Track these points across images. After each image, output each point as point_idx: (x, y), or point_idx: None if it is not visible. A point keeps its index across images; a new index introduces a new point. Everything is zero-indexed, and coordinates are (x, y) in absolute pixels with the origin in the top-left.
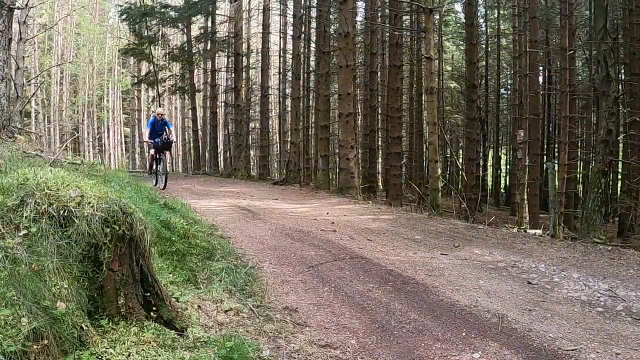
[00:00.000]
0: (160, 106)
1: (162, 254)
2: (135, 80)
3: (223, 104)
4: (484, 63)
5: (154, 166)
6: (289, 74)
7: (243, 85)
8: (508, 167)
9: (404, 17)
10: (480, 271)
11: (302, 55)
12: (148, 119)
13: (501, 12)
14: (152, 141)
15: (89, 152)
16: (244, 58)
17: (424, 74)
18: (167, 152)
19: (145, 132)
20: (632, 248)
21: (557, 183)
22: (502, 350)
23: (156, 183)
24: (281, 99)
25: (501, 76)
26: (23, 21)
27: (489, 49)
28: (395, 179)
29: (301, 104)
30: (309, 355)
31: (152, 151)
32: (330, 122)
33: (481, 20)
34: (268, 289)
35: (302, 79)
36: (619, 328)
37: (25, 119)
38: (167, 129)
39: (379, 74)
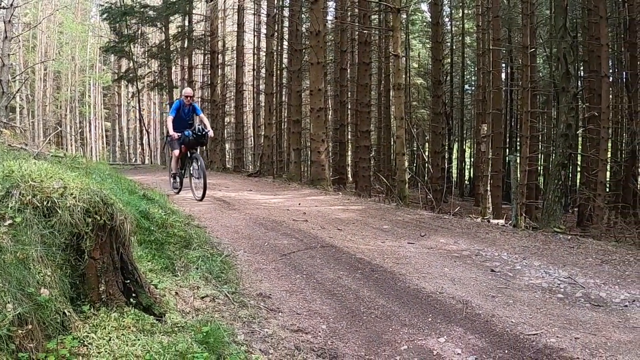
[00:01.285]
0: (188, 85)
1: (141, 243)
2: (116, 77)
3: (200, 99)
4: (449, 60)
5: (178, 168)
6: (263, 70)
7: (219, 82)
8: (472, 159)
9: (373, 17)
10: (446, 259)
11: (275, 53)
12: (170, 105)
13: (465, 11)
14: (178, 134)
15: (71, 146)
16: (219, 55)
17: (391, 71)
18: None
19: (169, 121)
20: (590, 237)
21: (518, 175)
22: (466, 335)
23: (179, 190)
24: (255, 95)
25: (465, 73)
26: (8, 20)
27: (454, 47)
28: (364, 171)
29: (274, 99)
30: (282, 339)
31: (176, 152)
32: (302, 117)
33: (446, 20)
34: (243, 276)
35: (275, 75)
36: (578, 314)
37: (11, 113)
38: (197, 117)
39: (348, 71)
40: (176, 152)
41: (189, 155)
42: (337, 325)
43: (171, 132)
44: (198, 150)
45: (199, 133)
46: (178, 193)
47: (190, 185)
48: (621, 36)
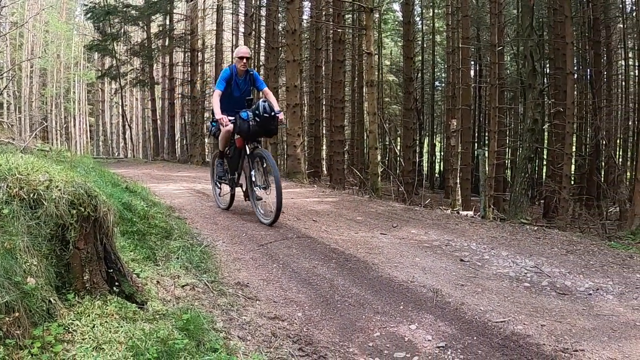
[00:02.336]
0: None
1: (124, 233)
2: (100, 74)
3: (180, 95)
4: (420, 58)
5: (227, 171)
6: None
7: (198, 79)
8: (442, 153)
9: (347, 16)
10: (417, 249)
11: (252, 51)
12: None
13: (436, 11)
14: (230, 118)
15: (56, 140)
16: (199, 53)
17: (364, 68)
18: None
19: (215, 98)
20: (556, 228)
21: (487, 168)
22: (436, 322)
23: (230, 205)
24: None
25: (436, 70)
26: None
27: (425, 45)
28: (338, 165)
29: None
30: (259, 326)
31: (225, 148)
32: None
33: (417, 19)
34: (221, 265)
35: None
36: (544, 302)
37: None
38: (254, 90)
39: (323, 68)
40: (227, 149)
41: (247, 151)
42: (312, 312)
43: (218, 114)
44: (262, 143)
45: (265, 114)
46: (228, 209)
47: (252, 201)
48: (585, 35)
